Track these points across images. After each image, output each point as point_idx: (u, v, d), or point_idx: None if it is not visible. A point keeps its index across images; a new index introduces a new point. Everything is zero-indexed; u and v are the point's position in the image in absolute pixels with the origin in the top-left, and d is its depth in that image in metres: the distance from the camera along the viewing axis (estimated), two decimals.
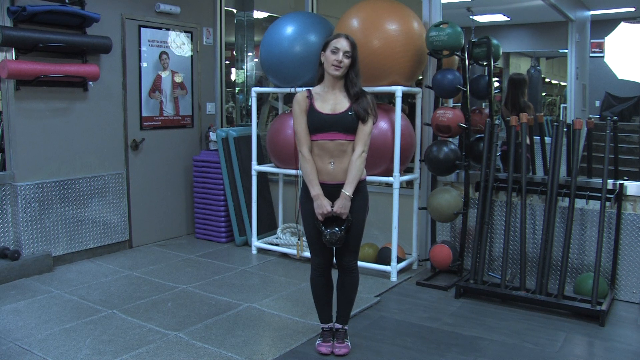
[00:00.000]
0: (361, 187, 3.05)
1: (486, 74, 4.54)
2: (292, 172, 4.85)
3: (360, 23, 4.34)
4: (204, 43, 5.81)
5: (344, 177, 2.99)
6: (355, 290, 3.15)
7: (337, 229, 2.95)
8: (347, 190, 2.96)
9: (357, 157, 2.98)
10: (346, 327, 3.21)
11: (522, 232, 3.97)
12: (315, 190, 2.97)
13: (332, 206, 2.97)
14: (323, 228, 2.97)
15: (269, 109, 6.45)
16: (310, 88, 3.10)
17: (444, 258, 4.37)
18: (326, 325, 3.22)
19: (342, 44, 2.95)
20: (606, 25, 7.43)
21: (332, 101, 2.99)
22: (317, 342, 3.21)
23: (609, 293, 3.87)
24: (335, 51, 2.95)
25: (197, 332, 3.39)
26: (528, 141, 4.27)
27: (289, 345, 3.23)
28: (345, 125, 2.95)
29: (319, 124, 2.96)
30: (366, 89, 4.38)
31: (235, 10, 6.24)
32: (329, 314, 3.21)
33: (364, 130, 2.98)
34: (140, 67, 5.22)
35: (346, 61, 2.95)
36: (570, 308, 3.69)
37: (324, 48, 3.00)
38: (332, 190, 3.00)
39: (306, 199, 3.07)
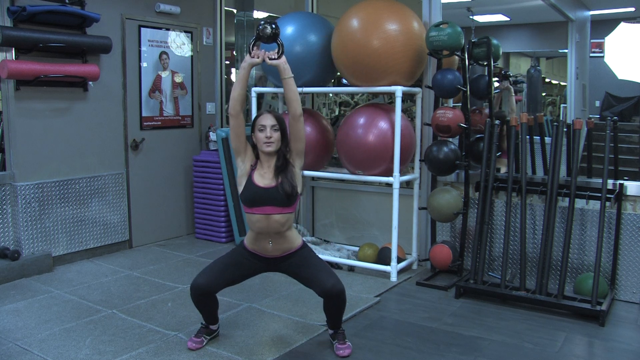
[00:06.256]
0: (304, 251, 3.11)
1: (486, 74, 4.54)
2: None
3: (360, 23, 4.34)
4: (204, 43, 5.81)
5: (281, 253, 3.06)
6: (345, 303, 3.10)
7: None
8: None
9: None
10: (343, 328, 3.21)
11: (522, 232, 3.97)
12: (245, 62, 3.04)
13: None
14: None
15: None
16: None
17: (444, 258, 4.37)
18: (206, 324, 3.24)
19: (267, 120, 2.99)
20: (606, 25, 7.45)
21: (268, 176, 3.01)
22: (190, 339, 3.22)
23: (609, 293, 3.87)
24: (262, 129, 2.98)
25: None
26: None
27: (289, 345, 3.23)
28: (278, 199, 2.96)
29: (252, 196, 2.97)
30: (366, 89, 4.48)
31: (235, 10, 6.23)
32: (213, 317, 3.24)
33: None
34: (140, 67, 5.22)
35: (275, 135, 2.98)
36: (570, 308, 3.69)
37: (252, 129, 3.03)
38: (268, 262, 3.09)
39: (240, 250, 3.13)
